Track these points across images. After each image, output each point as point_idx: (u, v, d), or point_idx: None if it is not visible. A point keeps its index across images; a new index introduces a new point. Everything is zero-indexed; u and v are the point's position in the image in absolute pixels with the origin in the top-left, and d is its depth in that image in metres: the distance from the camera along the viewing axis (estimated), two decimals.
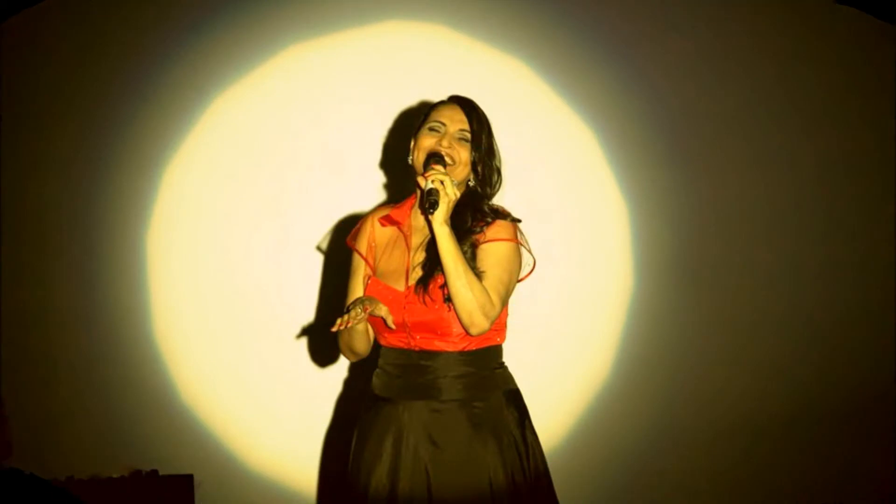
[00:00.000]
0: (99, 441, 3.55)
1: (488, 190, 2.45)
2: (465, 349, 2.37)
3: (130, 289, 3.59)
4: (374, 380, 2.47)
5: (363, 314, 2.26)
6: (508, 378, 2.45)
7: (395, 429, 2.36)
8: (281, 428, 3.65)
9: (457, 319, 2.31)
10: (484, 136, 2.43)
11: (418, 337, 2.36)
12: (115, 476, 3.33)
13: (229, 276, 3.63)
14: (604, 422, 3.80)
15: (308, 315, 3.64)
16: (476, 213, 2.40)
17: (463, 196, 2.38)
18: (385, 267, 2.45)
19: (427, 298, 2.33)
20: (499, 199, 2.48)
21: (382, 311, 2.31)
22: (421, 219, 2.45)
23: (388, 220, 2.49)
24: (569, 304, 3.78)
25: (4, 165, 3.48)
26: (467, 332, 2.32)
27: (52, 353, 3.54)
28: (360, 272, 2.50)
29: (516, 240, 2.39)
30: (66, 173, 3.55)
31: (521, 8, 3.72)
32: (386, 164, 3.65)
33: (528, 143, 3.68)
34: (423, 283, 2.35)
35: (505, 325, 2.45)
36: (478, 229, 2.38)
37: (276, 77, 3.61)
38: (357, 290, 2.49)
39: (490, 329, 2.33)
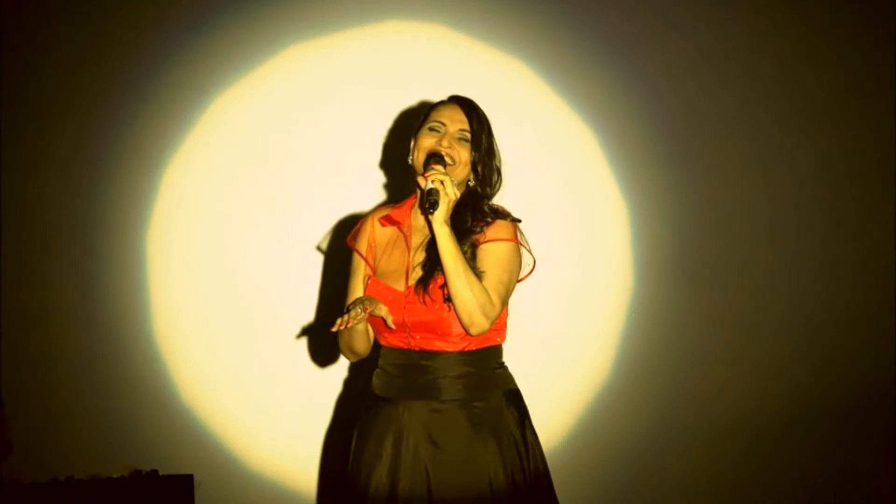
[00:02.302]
0: (99, 441, 3.55)
1: (488, 190, 2.45)
2: (465, 349, 2.36)
3: (130, 289, 3.59)
4: (374, 380, 2.47)
5: (363, 314, 2.25)
6: (508, 378, 2.45)
7: (395, 429, 2.36)
8: (281, 428, 3.64)
9: (457, 319, 2.31)
10: (484, 136, 2.43)
11: (418, 337, 2.36)
12: (115, 476, 3.33)
13: (229, 276, 3.62)
14: (604, 422, 3.80)
15: (308, 315, 3.64)
16: (476, 213, 2.40)
17: (463, 196, 2.38)
18: (385, 267, 2.45)
19: (427, 298, 2.33)
20: (499, 199, 2.48)
21: (382, 311, 2.31)
22: (421, 219, 2.45)
23: (388, 220, 2.49)
24: (569, 304, 3.78)
25: (4, 165, 3.48)
26: (467, 332, 2.32)
27: (52, 353, 3.54)
28: (360, 272, 2.50)
29: (516, 240, 2.39)
30: (66, 173, 3.55)
31: (521, 8, 3.72)
32: (386, 164, 3.64)
33: (528, 143, 3.68)
34: (423, 283, 2.35)
35: (505, 325, 2.45)
36: (478, 229, 2.38)
37: (276, 77, 3.61)
38: (357, 290, 2.49)
39: (490, 329, 2.33)
